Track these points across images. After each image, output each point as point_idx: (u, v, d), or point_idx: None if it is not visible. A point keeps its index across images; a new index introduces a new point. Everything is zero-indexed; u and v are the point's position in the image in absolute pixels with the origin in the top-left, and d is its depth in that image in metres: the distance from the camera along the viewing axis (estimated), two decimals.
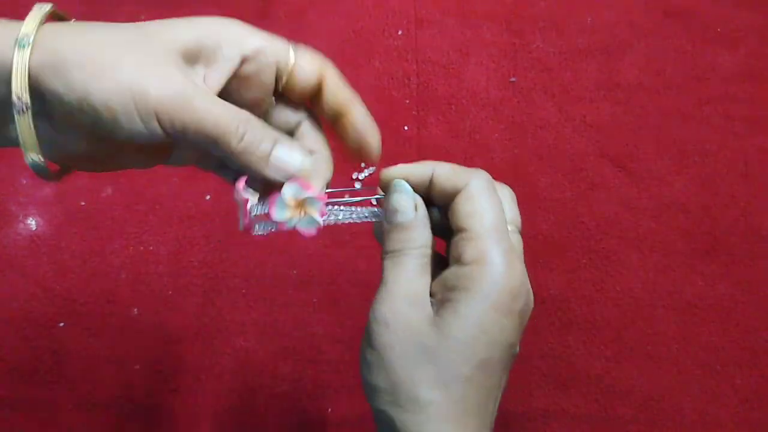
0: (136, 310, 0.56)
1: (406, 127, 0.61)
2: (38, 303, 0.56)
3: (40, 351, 0.55)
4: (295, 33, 0.63)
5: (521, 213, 0.60)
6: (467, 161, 0.60)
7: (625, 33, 0.63)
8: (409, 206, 0.32)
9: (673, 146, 0.60)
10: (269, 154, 0.30)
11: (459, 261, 0.30)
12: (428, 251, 0.32)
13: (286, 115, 0.33)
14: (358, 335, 0.57)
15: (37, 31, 0.27)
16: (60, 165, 0.30)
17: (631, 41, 0.63)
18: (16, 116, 0.27)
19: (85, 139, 0.29)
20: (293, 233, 0.33)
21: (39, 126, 0.27)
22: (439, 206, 0.33)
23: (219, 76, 0.30)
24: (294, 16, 0.64)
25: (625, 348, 0.55)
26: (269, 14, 0.64)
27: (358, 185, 0.59)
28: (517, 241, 0.33)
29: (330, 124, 0.33)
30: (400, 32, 0.63)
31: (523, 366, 0.55)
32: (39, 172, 0.29)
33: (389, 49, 0.63)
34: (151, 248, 0.57)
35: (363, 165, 0.60)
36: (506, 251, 0.31)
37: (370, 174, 0.59)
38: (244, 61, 0.30)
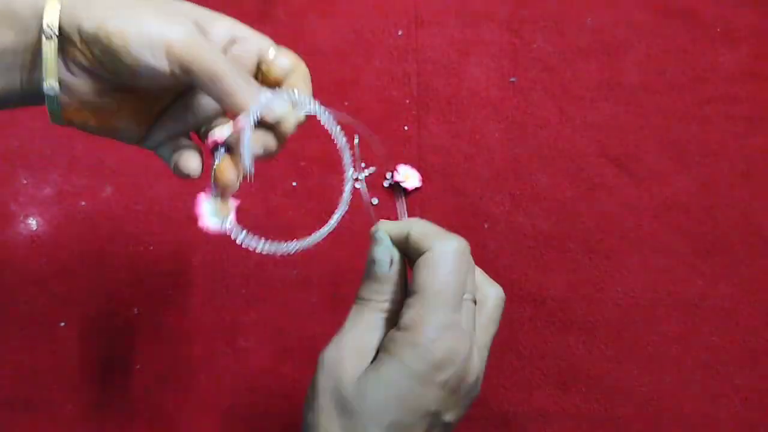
0: (136, 309, 0.56)
1: (406, 127, 0.61)
2: (38, 303, 0.56)
3: (40, 351, 0.55)
4: (295, 33, 0.63)
5: (521, 213, 0.60)
6: (467, 161, 0.60)
7: (626, 33, 0.63)
8: (385, 260, 0.34)
9: (674, 146, 0.60)
10: (257, 96, 0.32)
11: (398, 324, 0.32)
12: (393, 307, 0.33)
13: None
14: None
15: (59, 14, 0.30)
16: (66, 116, 0.33)
17: (632, 41, 0.62)
18: (44, 41, 0.30)
19: (94, 80, 0.32)
20: None
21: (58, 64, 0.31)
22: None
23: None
24: (294, 16, 0.64)
25: (625, 348, 0.55)
26: (269, 14, 0.63)
27: (358, 185, 0.59)
28: (470, 311, 0.33)
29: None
30: (400, 32, 0.63)
31: (523, 366, 0.55)
32: (52, 105, 0.32)
33: (389, 49, 0.62)
34: (151, 248, 0.57)
35: (363, 165, 0.59)
36: (441, 324, 0.31)
37: (370, 173, 0.59)
38: (233, 41, 0.34)
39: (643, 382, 0.54)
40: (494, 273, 0.57)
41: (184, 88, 0.35)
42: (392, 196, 0.59)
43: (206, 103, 0.35)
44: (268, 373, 0.54)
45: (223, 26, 0.34)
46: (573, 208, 0.59)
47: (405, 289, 0.34)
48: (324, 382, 0.32)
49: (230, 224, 0.35)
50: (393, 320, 0.33)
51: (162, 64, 0.31)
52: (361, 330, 0.33)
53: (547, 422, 0.54)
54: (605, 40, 0.63)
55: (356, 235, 0.58)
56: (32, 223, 0.58)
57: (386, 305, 0.34)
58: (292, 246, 0.36)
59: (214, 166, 0.35)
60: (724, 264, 0.57)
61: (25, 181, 0.59)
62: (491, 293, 0.36)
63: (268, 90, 0.33)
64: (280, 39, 0.63)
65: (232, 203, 0.36)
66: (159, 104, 0.36)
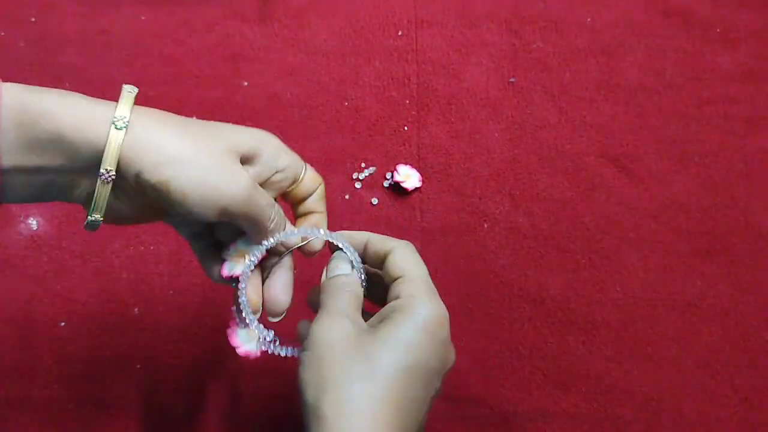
0: (136, 309, 0.56)
1: (406, 127, 0.61)
2: (39, 303, 0.56)
3: (41, 351, 0.55)
4: (295, 33, 0.63)
5: (521, 213, 0.60)
6: (467, 161, 0.60)
7: (625, 33, 0.63)
8: (346, 265, 0.39)
9: (673, 146, 0.60)
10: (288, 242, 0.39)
11: (396, 298, 0.36)
12: (359, 299, 0.38)
13: None
14: None
15: (131, 114, 0.32)
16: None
17: (631, 41, 0.63)
18: (99, 184, 0.32)
19: (139, 207, 0.35)
20: None
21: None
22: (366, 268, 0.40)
23: (258, 177, 0.37)
24: (294, 16, 0.64)
25: (625, 348, 0.55)
26: (269, 14, 0.64)
27: (358, 185, 0.59)
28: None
29: (295, 216, 0.42)
30: (400, 32, 0.63)
31: (523, 366, 0.55)
32: (92, 227, 0.34)
33: (389, 49, 0.63)
34: (152, 248, 0.57)
35: (363, 165, 0.60)
36: (433, 292, 0.37)
37: (370, 174, 0.59)
38: (276, 172, 0.38)
39: (642, 381, 0.54)
40: (494, 273, 0.57)
41: None
42: (392, 196, 0.59)
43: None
44: (268, 373, 0.54)
45: (272, 154, 0.37)
46: (572, 208, 0.59)
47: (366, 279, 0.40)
48: (330, 339, 0.34)
49: (266, 344, 0.39)
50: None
51: (213, 215, 0.34)
52: (344, 304, 0.37)
53: (547, 422, 0.54)
54: (604, 40, 0.63)
55: None
56: (32, 223, 0.58)
57: (355, 293, 0.38)
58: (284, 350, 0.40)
59: (238, 293, 0.39)
60: (723, 264, 0.57)
61: None
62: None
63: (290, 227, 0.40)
64: (280, 39, 0.64)
65: (264, 330, 0.39)
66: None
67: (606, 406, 0.54)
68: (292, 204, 0.41)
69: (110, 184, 0.32)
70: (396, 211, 0.59)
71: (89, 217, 0.34)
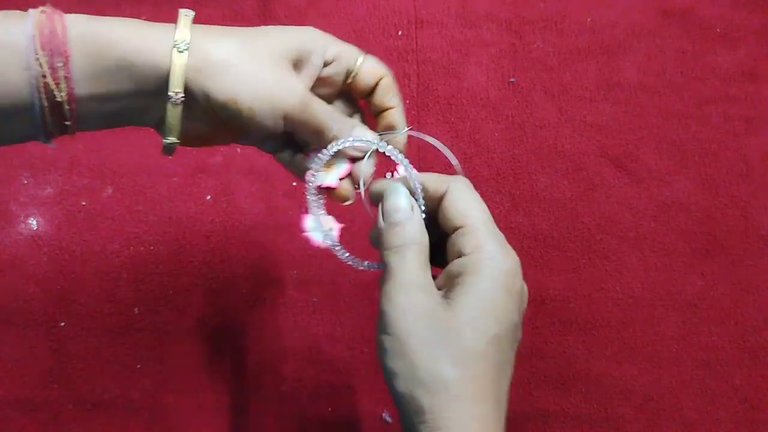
0: (136, 309, 0.56)
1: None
2: (39, 303, 0.56)
3: (41, 351, 0.55)
4: None
5: (521, 213, 0.60)
6: (467, 161, 0.60)
7: (625, 33, 0.63)
8: (406, 205, 0.35)
9: (673, 146, 0.60)
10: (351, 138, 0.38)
11: (460, 254, 0.34)
12: (426, 248, 0.35)
13: (343, 108, 0.40)
14: (359, 335, 0.58)
15: (190, 35, 0.33)
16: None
17: (631, 41, 0.63)
18: (169, 107, 0.33)
19: (211, 125, 0.35)
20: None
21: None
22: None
23: (310, 80, 0.36)
24: (294, 16, 0.64)
25: (625, 348, 0.55)
26: (269, 14, 0.64)
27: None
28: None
29: (374, 117, 0.40)
30: (400, 32, 0.63)
31: (523, 366, 0.55)
32: (169, 151, 0.36)
33: (389, 49, 0.63)
34: (152, 248, 0.57)
35: None
36: (500, 240, 0.34)
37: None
38: (325, 64, 0.37)
39: (642, 381, 0.54)
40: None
41: None
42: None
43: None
44: (268, 373, 0.54)
45: (319, 50, 0.36)
46: (572, 208, 0.59)
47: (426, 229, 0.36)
48: (408, 324, 0.32)
49: (331, 240, 0.39)
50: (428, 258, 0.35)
51: (279, 126, 0.35)
52: (415, 268, 0.34)
53: (547, 422, 0.54)
54: (604, 40, 0.63)
55: (356, 235, 0.58)
56: (33, 223, 0.58)
57: (421, 246, 0.34)
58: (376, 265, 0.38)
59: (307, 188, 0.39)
60: (723, 263, 0.57)
61: (25, 181, 0.59)
62: None
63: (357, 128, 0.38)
64: None
65: (334, 222, 0.40)
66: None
67: (606, 406, 0.54)
68: (366, 104, 0.40)
69: (181, 106, 0.33)
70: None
71: (165, 140, 0.35)
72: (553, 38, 0.63)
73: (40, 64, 0.31)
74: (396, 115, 0.39)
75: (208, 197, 0.59)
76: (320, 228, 0.40)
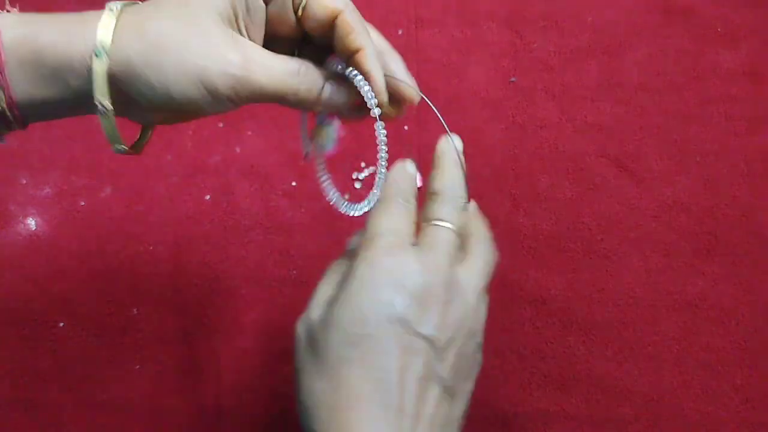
0: (135, 310, 0.56)
1: (406, 127, 0.60)
2: (38, 303, 0.56)
3: (40, 351, 0.55)
4: None
5: (522, 213, 0.60)
6: (467, 161, 0.59)
7: (627, 33, 0.63)
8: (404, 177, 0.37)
9: (675, 146, 0.60)
10: (320, 97, 0.34)
11: (429, 218, 0.35)
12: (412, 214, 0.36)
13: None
14: None
15: (111, 40, 0.30)
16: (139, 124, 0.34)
17: (632, 41, 0.62)
18: (100, 117, 0.31)
19: (157, 115, 0.33)
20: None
21: (120, 109, 0.31)
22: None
23: (258, 29, 0.33)
24: None
25: (625, 348, 0.55)
26: None
27: (358, 185, 0.59)
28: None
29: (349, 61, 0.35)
30: (400, 32, 0.63)
31: (523, 366, 0.55)
32: (123, 153, 0.33)
33: None
34: (151, 248, 0.57)
35: (363, 165, 0.59)
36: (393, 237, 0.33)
37: (370, 174, 0.59)
38: (266, 2, 0.33)
39: (643, 382, 0.54)
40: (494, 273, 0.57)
41: None
42: None
43: None
44: (268, 373, 0.54)
45: None
46: (573, 208, 0.59)
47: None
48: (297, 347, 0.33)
49: (315, 150, 0.36)
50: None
51: (231, 105, 0.32)
52: (330, 279, 0.34)
53: (547, 422, 0.54)
54: (605, 40, 0.63)
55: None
56: (31, 223, 0.58)
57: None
58: (360, 206, 0.37)
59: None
60: (725, 264, 0.57)
61: (24, 181, 0.59)
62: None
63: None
64: None
65: (332, 132, 0.36)
66: None
67: (607, 407, 0.54)
68: (338, 53, 0.34)
69: (109, 115, 0.31)
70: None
71: (112, 147, 0.33)
72: (554, 38, 0.63)
73: None
74: (366, 59, 0.33)
75: (208, 197, 0.59)
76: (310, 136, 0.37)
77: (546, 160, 0.60)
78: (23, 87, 0.31)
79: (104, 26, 0.30)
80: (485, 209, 0.59)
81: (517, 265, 0.57)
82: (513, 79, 0.62)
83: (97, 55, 0.30)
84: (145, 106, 0.31)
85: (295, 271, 0.57)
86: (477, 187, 0.59)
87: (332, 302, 0.31)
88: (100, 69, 0.30)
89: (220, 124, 0.61)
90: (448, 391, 0.31)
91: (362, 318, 0.30)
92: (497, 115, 0.61)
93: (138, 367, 0.55)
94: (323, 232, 0.58)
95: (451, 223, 0.35)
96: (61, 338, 0.55)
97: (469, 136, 0.61)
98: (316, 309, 0.33)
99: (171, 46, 0.30)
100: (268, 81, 0.31)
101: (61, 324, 0.55)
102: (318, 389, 0.30)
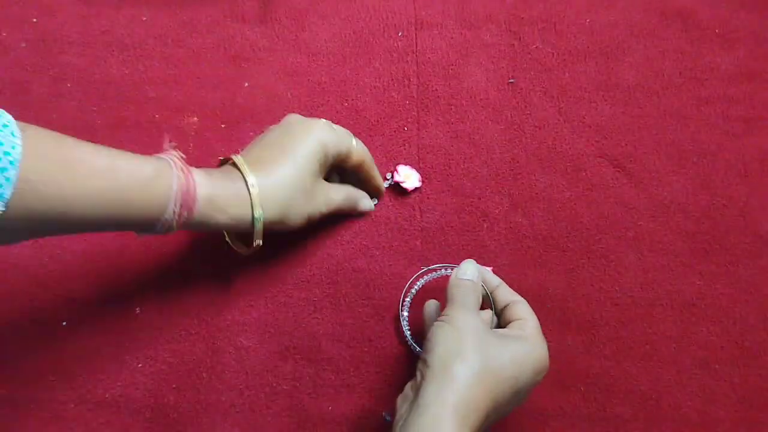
0: (138, 309, 0.56)
1: (406, 128, 0.61)
2: (40, 302, 0.56)
3: (42, 350, 0.55)
4: (295, 34, 0.64)
5: (520, 213, 0.61)
6: (466, 162, 0.60)
7: (624, 34, 0.63)
8: (475, 272, 0.48)
9: (672, 146, 0.60)
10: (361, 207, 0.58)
11: (511, 318, 0.48)
12: (480, 304, 0.48)
13: (334, 177, 0.58)
14: (358, 334, 0.58)
15: (261, 215, 0.48)
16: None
17: (630, 42, 0.63)
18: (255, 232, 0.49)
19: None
20: None
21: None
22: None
23: (326, 170, 0.53)
24: (294, 17, 0.64)
25: (624, 347, 0.55)
26: (270, 15, 0.64)
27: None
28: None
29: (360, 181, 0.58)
30: (400, 33, 0.63)
31: None
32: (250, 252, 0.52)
33: (389, 50, 0.63)
34: (152, 248, 0.57)
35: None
36: (544, 341, 0.46)
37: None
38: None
39: (641, 381, 0.55)
40: (494, 273, 0.57)
41: None
42: (392, 196, 0.59)
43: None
44: (268, 373, 0.55)
45: (331, 150, 0.52)
46: (572, 208, 0.59)
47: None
48: (464, 322, 0.44)
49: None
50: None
51: (306, 224, 0.53)
52: (472, 308, 0.46)
53: (547, 422, 0.54)
54: (603, 41, 0.63)
55: (357, 235, 0.58)
56: None
57: (477, 304, 0.47)
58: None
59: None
60: (722, 263, 0.57)
61: None
62: None
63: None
64: (280, 40, 0.64)
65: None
66: None
67: (605, 406, 0.54)
68: (357, 177, 0.57)
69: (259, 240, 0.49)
70: (396, 211, 0.59)
71: (254, 243, 0.50)
72: (552, 39, 0.63)
73: (174, 212, 0.44)
74: (376, 182, 0.58)
75: None
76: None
77: (544, 160, 0.60)
78: (189, 224, 0.46)
79: (256, 199, 0.47)
80: (484, 209, 0.59)
81: (516, 265, 0.57)
82: (512, 80, 0.62)
83: (256, 221, 0.48)
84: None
85: (295, 271, 0.57)
86: (476, 187, 0.60)
87: (507, 334, 0.46)
88: (259, 227, 0.48)
89: (222, 125, 0.61)
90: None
91: (513, 372, 0.43)
92: (496, 115, 0.61)
93: (139, 366, 0.55)
94: (323, 231, 0.58)
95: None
96: (62, 337, 0.55)
97: (468, 136, 0.61)
98: (477, 315, 0.47)
99: (292, 210, 0.50)
100: (337, 204, 0.55)
101: (63, 323, 0.56)
102: (452, 365, 0.41)
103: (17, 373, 0.55)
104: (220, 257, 0.57)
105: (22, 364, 0.55)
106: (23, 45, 0.63)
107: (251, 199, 0.47)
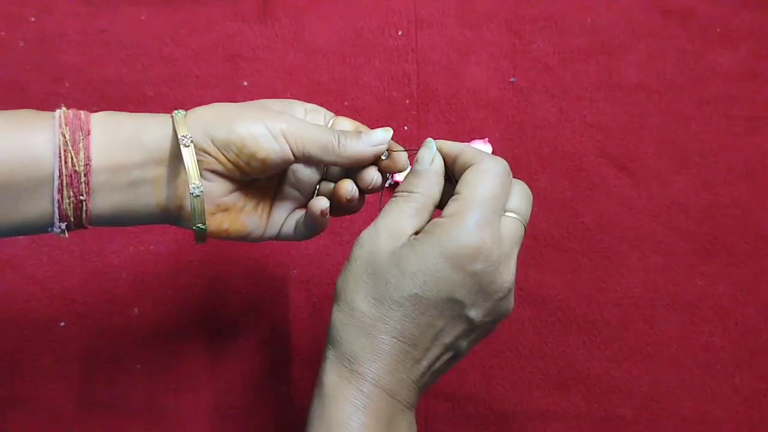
0: (136, 309, 0.56)
1: (406, 127, 0.61)
2: (38, 303, 0.56)
3: (41, 351, 0.55)
4: (295, 33, 0.63)
5: None
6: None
7: (625, 33, 0.63)
8: (427, 158, 0.38)
9: (673, 146, 0.60)
10: (359, 146, 0.40)
11: (442, 214, 0.36)
12: (428, 201, 0.37)
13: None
14: None
15: (188, 135, 0.36)
16: (209, 223, 0.38)
17: (632, 41, 0.63)
18: (183, 150, 0.36)
19: (224, 181, 0.38)
20: None
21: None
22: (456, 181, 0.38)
23: None
24: (294, 16, 0.64)
25: (625, 348, 0.55)
26: (269, 14, 0.64)
27: None
28: (511, 225, 0.37)
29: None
30: (400, 32, 0.63)
31: (523, 366, 0.55)
32: (197, 207, 0.37)
33: (389, 49, 0.63)
34: (152, 248, 0.57)
35: None
36: (482, 218, 0.35)
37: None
38: (305, 112, 0.41)
39: (642, 381, 0.54)
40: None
41: (283, 171, 0.42)
42: (392, 196, 0.59)
43: (305, 175, 0.42)
44: (268, 373, 0.54)
45: (301, 108, 0.41)
46: (572, 208, 0.59)
47: (442, 192, 0.38)
48: (358, 252, 0.36)
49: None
50: (426, 213, 0.37)
51: (287, 150, 0.38)
52: (396, 215, 0.37)
53: (547, 422, 0.54)
54: (605, 40, 0.63)
55: (357, 234, 0.58)
56: None
57: (421, 197, 0.37)
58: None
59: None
60: (724, 264, 0.57)
61: None
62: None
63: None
64: (280, 39, 0.63)
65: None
66: (271, 192, 0.42)
67: (606, 406, 0.54)
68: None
69: (192, 148, 0.36)
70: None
71: (190, 186, 0.36)
72: (553, 38, 0.63)
73: (63, 135, 0.35)
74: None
75: None
76: None
77: (545, 160, 0.60)
78: (100, 153, 0.36)
79: (181, 125, 0.37)
80: None
81: (516, 264, 0.57)
82: (512, 79, 0.62)
83: (185, 146, 0.36)
84: (215, 157, 0.37)
85: (295, 271, 0.57)
86: None
87: (408, 245, 0.35)
88: (190, 156, 0.36)
89: None
90: (459, 357, 0.37)
91: (428, 281, 0.34)
92: (497, 115, 0.61)
93: (138, 366, 0.55)
94: (323, 232, 0.58)
95: (516, 213, 0.38)
96: (61, 338, 0.55)
97: (468, 136, 0.61)
98: (386, 237, 0.36)
99: (238, 119, 0.37)
100: (318, 135, 0.39)
101: (62, 324, 0.55)
102: (360, 308, 0.35)
103: (15, 373, 0.55)
104: (219, 257, 0.57)
105: (20, 364, 0.55)
106: (21, 44, 0.63)
107: (173, 120, 0.37)
